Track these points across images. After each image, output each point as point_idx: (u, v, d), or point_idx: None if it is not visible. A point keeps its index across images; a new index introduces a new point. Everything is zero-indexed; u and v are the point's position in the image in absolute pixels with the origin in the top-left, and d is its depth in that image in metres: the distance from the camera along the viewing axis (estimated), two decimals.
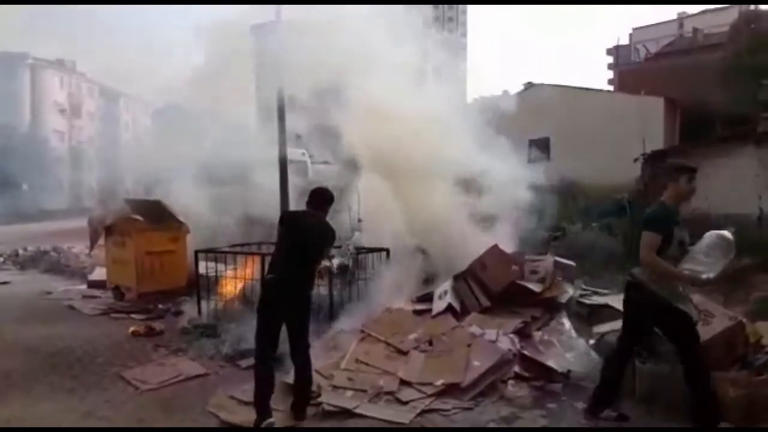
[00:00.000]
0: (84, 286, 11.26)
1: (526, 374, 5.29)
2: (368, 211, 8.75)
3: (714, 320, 4.68)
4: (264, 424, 4.53)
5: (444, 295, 6.46)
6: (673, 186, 4.35)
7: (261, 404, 4.62)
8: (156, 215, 10.17)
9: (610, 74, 46.41)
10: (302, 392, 4.88)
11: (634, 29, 49.95)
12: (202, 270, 8.29)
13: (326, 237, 5.05)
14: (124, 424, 4.89)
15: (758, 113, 14.95)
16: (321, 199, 5.11)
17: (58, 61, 52.24)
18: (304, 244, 4.88)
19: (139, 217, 10.52)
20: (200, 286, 8.17)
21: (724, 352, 4.59)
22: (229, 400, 5.24)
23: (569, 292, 6.51)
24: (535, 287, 6.29)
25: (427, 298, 6.83)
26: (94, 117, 64.90)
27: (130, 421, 4.93)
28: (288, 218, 5.32)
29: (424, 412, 4.78)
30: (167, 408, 5.21)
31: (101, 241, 11.00)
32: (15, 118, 51.93)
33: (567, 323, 6.04)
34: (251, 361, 6.20)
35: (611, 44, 52.12)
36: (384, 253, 7.77)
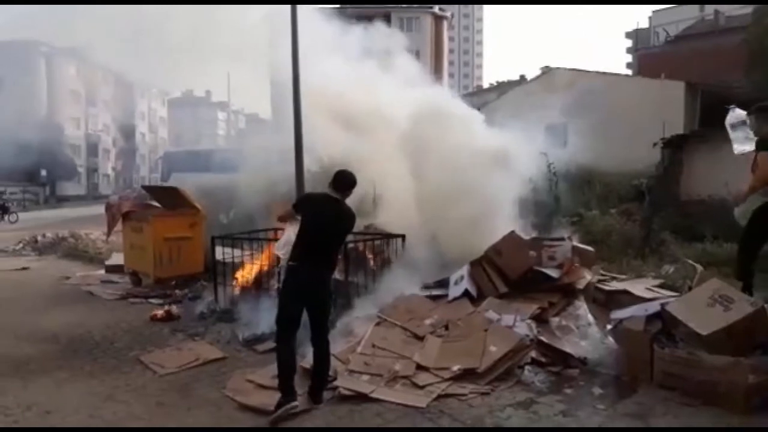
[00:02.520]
0: (102, 272, 11.38)
1: (543, 360, 5.26)
2: (384, 197, 8.77)
3: (734, 305, 4.61)
4: (286, 407, 4.53)
5: (460, 281, 6.44)
6: None
7: (284, 387, 4.63)
8: (173, 201, 10.25)
9: (630, 58, 45.86)
10: (320, 376, 4.87)
11: (654, 12, 49.24)
12: (218, 256, 8.34)
13: (347, 223, 5.01)
14: (143, 407, 4.94)
15: None
16: (343, 182, 5.01)
17: (73, 49, 52.47)
18: (324, 232, 4.87)
19: (156, 204, 10.61)
20: (217, 272, 8.21)
21: (745, 338, 4.53)
22: (247, 384, 5.27)
23: (587, 277, 6.45)
24: (553, 273, 6.25)
25: (443, 284, 6.81)
26: (109, 105, 65.37)
27: (149, 404, 4.98)
28: (306, 204, 5.20)
29: (440, 396, 4.78)
30: (185, 391, 5.26)
31: (119, 226, 11.11)
32: (32, 106, 52.43)
33: (584, 309, 5.99)
34: (268, 345, 6.28)
35: (631, 28, 51.50)
36: (400, 239, 7.75)
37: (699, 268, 5.96)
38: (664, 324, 4.98)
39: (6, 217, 26.85)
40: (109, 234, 12.13)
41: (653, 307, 5.09)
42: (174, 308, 8.10)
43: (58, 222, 21.85)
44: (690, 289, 5.44)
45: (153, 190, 11.57)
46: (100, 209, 14.01)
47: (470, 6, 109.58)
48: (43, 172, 50.53)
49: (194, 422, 4.63)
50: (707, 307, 4.70)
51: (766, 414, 4.24)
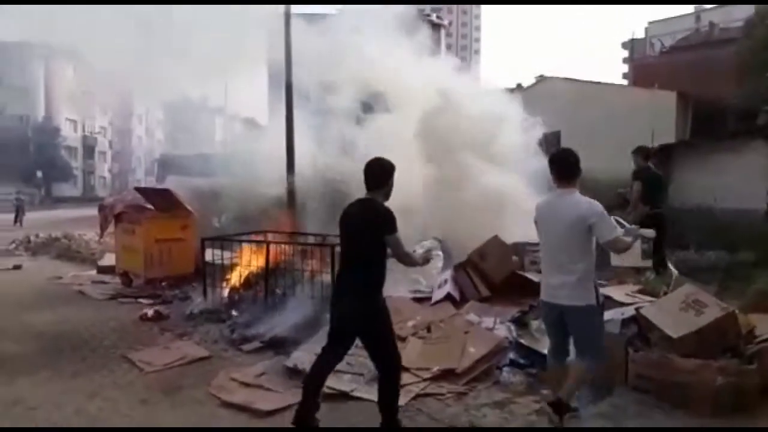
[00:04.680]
0: (93, 272, 11.46)
1: (522, 361, 5.38)
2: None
3: (706, 310, 4.74)
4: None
5: (444, 284, 6.56)
6: None
7: (300, 404, 4.29)
8: (165, 204, 10.35)
9: (626, 68, 46.25)
10: (382, 408, 4.27)
11: (650, 23, 49.79)
12: (208, 257, 8.44)
13: (369, 222, 4.12)
14: (128, 404, 5.03)
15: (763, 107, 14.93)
16: (366, 174, 4.25)
17: (71, 50, 52.49)
18: (346, 242, 4.29)
19: (149, 206, 10.71)
20: (206, 274, 8.31)
21: (715, 341, 4.65)
22: (231, 382, 5.36)
23: None
24: (535, 277, 6.35)
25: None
26: (107, 107, 65.26)
27: (134, 402, 5.07)
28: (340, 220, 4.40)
29: (419, 395, 4.89)
30: (171, 389, 5.35)
31: (111, 228, 11.21)
32: (29, 107, 52.50)
33: None
34: (254, 345, 6.42)
35: (627, 38, 52.02)
36: None
37: (675, 273, 6.09)
38: (640, 328, 5.10)
39: (19, 220, 25.73)
40: (101, 235, 12.23)
41: (629, 312, 5.22)
42: (163, 308, 8.20)
43: (53, 223, 21.89)
44: (666, 294, 5.57)
45: (146, 192, 11.66)
46: (95, 211, 14.09)
47: (468, 15, 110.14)
48: (39, 174, 50.57)
49: (177, 418, 4.72)
50: (680, 311, 4.83)
51: (734, 414, 4.36)
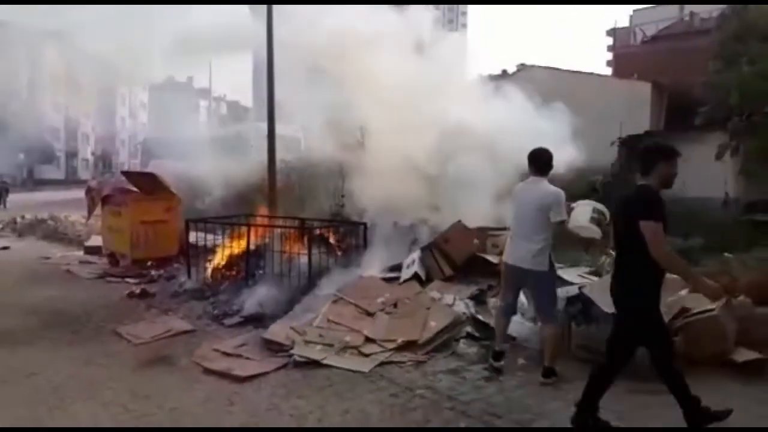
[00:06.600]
0: (80, 253, 11.87)
1: (477, 334, 5.94)
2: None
3: None
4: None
5: (411, 265, 7.09)
6: None
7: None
8: (150, 186, 10.75)
9: (610, 56, 46.65)
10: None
11: (634, 11, 50.00)
12: (192, 239, 8.90)
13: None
14: (119, 370, 5.52)
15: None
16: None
17: (56, 32, 51.97)
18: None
19: (134, 188, 11.12)
20: (190, 254, 8.78)
21: None
22: (213, 352, 5.85)
23: None
24: (493, 259, 6.92)
25: (398, 267, 7.45)
26: (91, 89, 64.56)
27: (125, 368, 5.57)
28: None
29: (383, 363, 5.43)
30: (158, 358, 5.85)
31: (98, 210, 11.60)
32: (12, 88, 51.83)
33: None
34: (235, 320, 6.94)
35: (611, 26, 52.34)
36: (362, 228, 8.37)
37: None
38: (583, 304, 5.66)
39: (3, 202, 26.22)
40: (89, 217, 12.61)
41: (573, 290, 5.78)
42: (149, 286, 8.66)
43: (37, 205, 22.13)
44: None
45: (131, 175, 12.05)
46: (78, 193, 14.41)
47: (454, 23, 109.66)
48: (21, 156, 50.32)
49: (166, 382, 5.23)
50: None
51: (661, 381, 4.92)
